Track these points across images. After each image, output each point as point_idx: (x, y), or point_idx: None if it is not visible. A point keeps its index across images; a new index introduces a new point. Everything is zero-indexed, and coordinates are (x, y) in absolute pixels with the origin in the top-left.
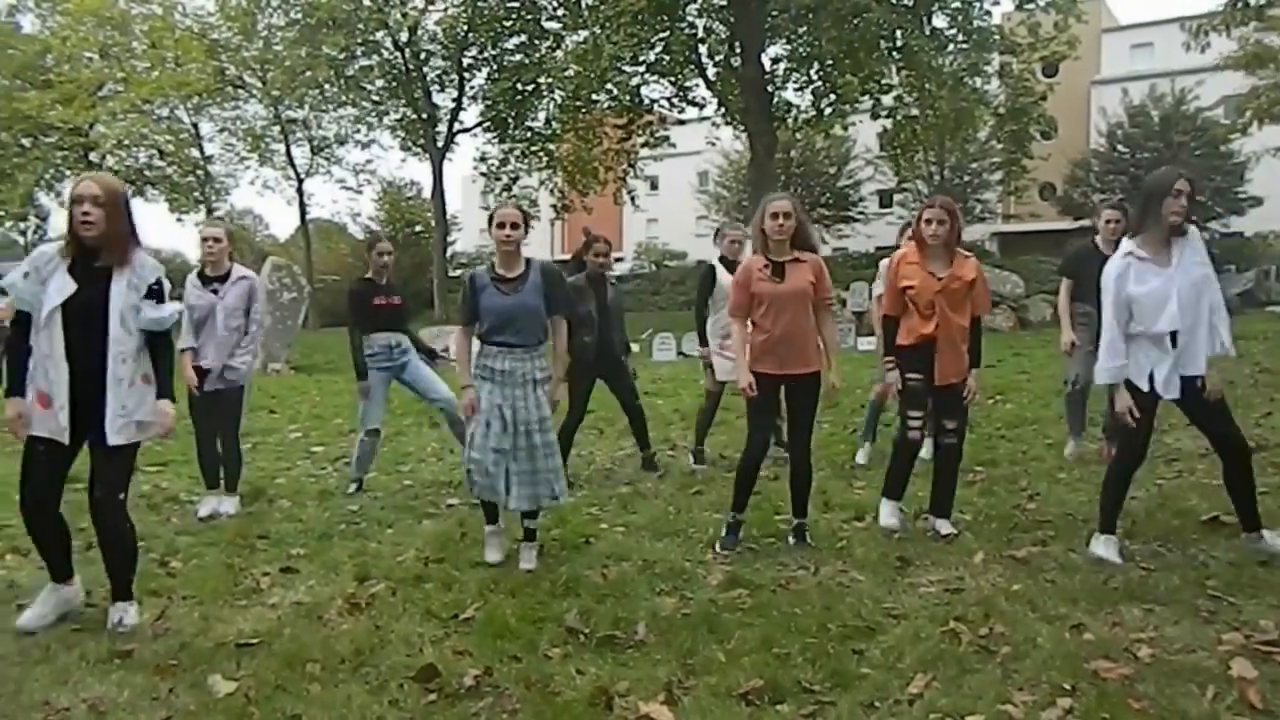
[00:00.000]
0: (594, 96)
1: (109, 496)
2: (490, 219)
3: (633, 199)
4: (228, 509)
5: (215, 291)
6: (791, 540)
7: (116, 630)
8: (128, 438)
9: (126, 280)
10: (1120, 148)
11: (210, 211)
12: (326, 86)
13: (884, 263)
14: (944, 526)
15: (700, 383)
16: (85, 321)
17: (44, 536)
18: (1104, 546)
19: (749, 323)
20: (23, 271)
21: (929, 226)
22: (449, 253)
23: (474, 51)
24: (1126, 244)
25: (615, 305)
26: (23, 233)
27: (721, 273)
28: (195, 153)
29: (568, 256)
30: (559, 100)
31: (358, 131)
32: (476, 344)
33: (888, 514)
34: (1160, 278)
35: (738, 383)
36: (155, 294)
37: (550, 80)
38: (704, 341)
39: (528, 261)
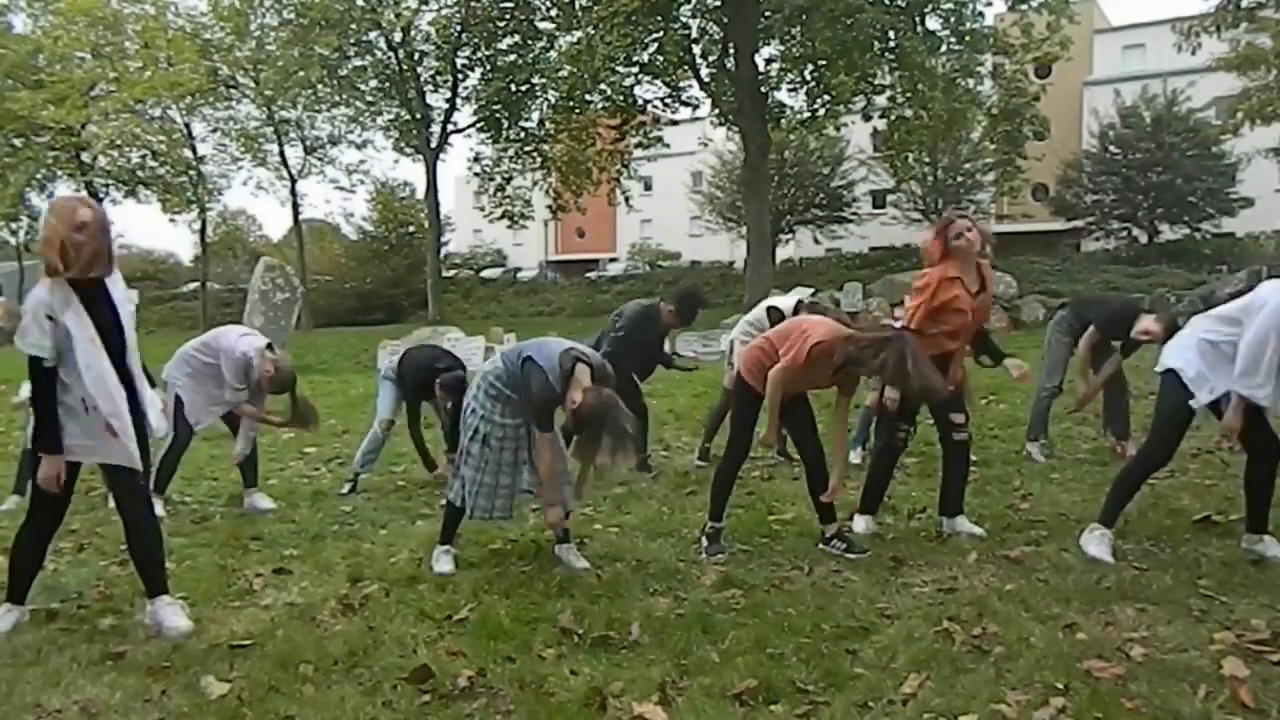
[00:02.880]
0: (587, 97)
1: (142, 485)
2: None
3: (627, 199)
4: (264, 504)
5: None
6: (839, 545)
7: (162, 636)
8: (161, 425)
9: (117, 288)
10: (1112, 148)
11: (203, 211)
12: (319, 87)
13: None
14: (963, 524)
15: (693, 382)
16: (107, 340)
17: (35, 559)
18: (1096, 543)
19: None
20: (40, 325)
21: (960, 239)
22: (442, 253)
23: (467, 52)
24: None
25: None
26: (14, 233)
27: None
28: (188, 153)
29: (561, 257)
30: (552, 101)
31: (351, 132)
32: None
33: (862, 527)
34: None
35: (762, 439)
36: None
37: (544, 81)
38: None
39: None
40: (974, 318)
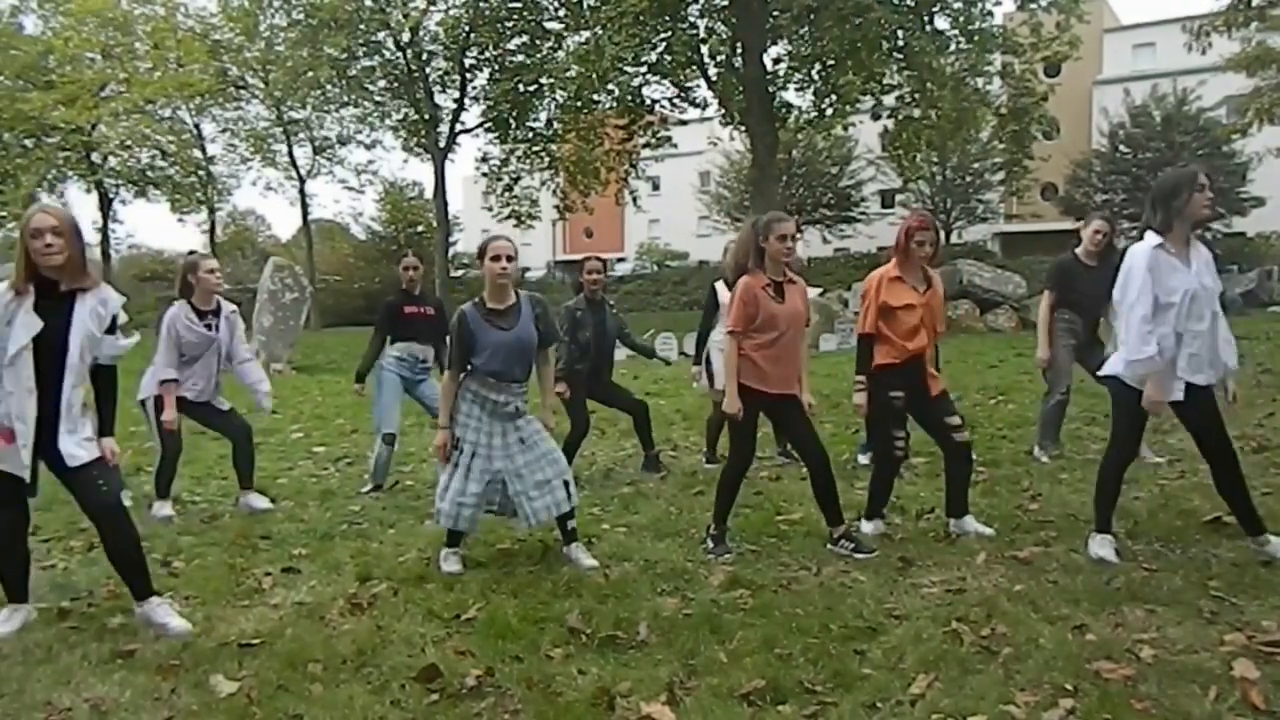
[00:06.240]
0: (595, 97)
1: (104, 492)
2: (482, 251)
3: (634, 199)
4: (261, 504)
5: (209, 327)
6: (848, 546)
7: (165, 635)
8: (89, 453)
9: (90, 309)
10: (1122, 148)
11: (213, 211)
12: (328, 87)
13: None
14: (970, 524)
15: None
16: (48, 353)
17: (13, 559)
18: (1100, 546)
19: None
20: None
21: (922, 247)
22: (450, 253)
23: (475, 52)
24: (1153, 238)
25: (614, 330)
26: None
27: (723, 291)
28: (197, 153)
29: (569, 257)
30: (560, 101)
31: (360, 132)
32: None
33: (870, 530)
34: (1186, 276)
35: (725, 406)
36: (113, 328)
37: (552, 81)
38: (698, 360)
39: (515, 293)
40: (927, 315)
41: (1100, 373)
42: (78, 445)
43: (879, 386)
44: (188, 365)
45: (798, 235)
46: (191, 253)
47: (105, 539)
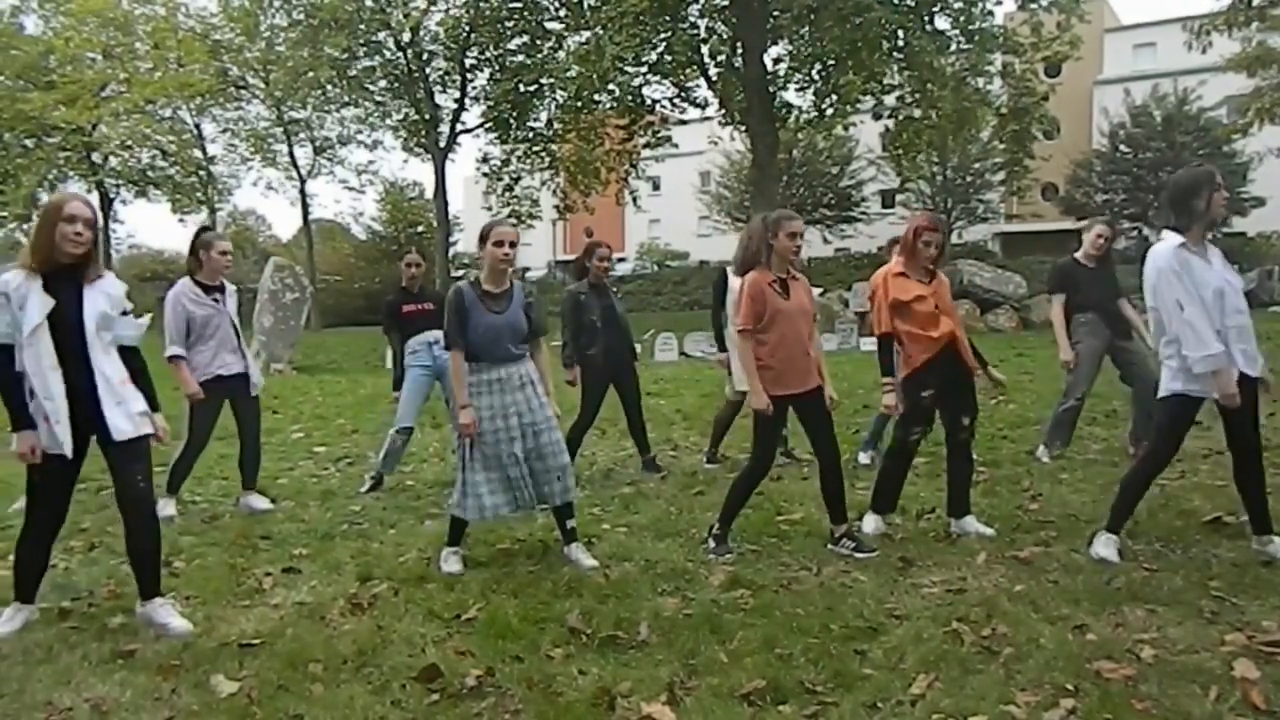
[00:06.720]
0: (596, 97)
1: (142, 488)
2: (485, 235)
3: (635, 199)
4: (261, 505)
5: (216, 300)
6: (849, 545)
7: (166, 635)
8: (136, 427)
9: (99, 290)
10: (1122, 148)
11: (213, 211)
12: (329, 87)
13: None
14: (970, 524)
15: (701, 382)
16: (65, 332)
17: (38, 558)
18: (1105, 546)
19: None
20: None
21: (929, 248)
22: (451, 253)
23: (476, 52)
24: (1174, 238)
25: (620, 312)
26: (28, 235)
27: (733, 277)
28: (198, 153)
29: (569, 257)
30: (561, 101)
31: (360, 132)
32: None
33: (872, 526)
34: (1213, 273)
35: (753, 403)
36: (125, 310)
37: (552, 81)
38: (722, 347)
39: (510, 279)
40: (940, 302)
41: (1159, 396)
42: (125, 418)
43: (915, 386)
44: (206, 342)
45: (804, 234)
46: (207, 228)
47: (129, 531)
